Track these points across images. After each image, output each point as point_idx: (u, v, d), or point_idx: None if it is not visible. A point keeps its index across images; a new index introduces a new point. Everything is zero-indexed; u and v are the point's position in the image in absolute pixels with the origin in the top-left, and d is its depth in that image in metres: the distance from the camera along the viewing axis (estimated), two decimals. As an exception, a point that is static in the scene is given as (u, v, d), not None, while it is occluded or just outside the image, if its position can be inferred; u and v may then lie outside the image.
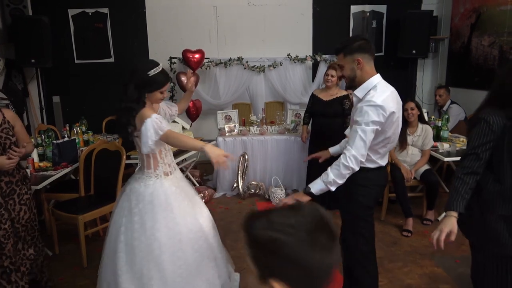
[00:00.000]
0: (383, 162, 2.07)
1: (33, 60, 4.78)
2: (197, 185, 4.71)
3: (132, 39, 5.54)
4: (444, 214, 1.74)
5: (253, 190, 4.53)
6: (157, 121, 2.00)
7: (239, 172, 4.46)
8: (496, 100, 1.70)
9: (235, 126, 4.74)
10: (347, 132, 2.16)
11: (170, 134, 2.02)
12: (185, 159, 4.41)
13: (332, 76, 3.94)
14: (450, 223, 1.65)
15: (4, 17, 4.89)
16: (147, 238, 2.08)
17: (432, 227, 3.63)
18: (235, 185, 4.51)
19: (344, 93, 4.04)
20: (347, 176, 1.91)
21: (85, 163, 3.28)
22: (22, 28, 4.71)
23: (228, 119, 4.85)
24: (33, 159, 3.28)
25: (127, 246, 2.11)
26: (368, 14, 5.68)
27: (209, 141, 4.66)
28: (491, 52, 4.66)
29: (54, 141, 3.53)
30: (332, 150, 2.27)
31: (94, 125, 4.88)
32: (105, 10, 5.45)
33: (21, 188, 2.33)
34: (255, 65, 5.54)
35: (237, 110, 5.04)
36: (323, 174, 1.93)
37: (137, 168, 2.29)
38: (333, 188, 1.92)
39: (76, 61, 5.54)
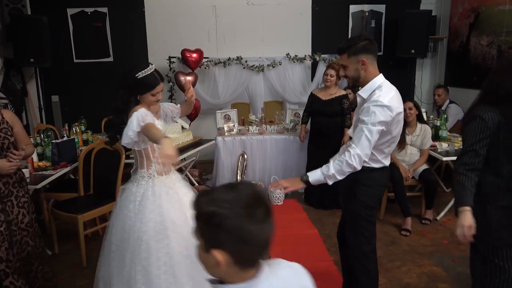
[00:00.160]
0: (387, 162, 2.09)
1: (32, 60, 4.78)
2: (196, 184, 4.71)
3: (131, 38, 5.53)
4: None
5: (252, 190, 4.53)
6: (143, 114, 1.98)
7: (238, 172, 4.47)
8: (490, 97, 1.74)
9: (234, 125, 4.74)
10: (350, 132, 2.16)
11: (148, 126, 1.95)
12: (184, 158, 4.42)
13: (331, 75, 3.95)
14: (468, 218, 1.68)
15: (3, 16, 4.88)
16: (135, 240, 2.04)
17: (431, 227, 3.65)
18: (234, 184, 4.51)
19: (343, 92, 4.05)
20: (348, 173, 1.91)
21: (84, 163, 3.29)
22: (21, 28, 4.70)
23: (227, 118, 4.85)
24: (32, 159, 3.28)
25: (118, 248, 2.10)
26: (367, 13, 5.69)
27: (209, 141, 4.69)
28: (489, 52, 4.67)
29: (53, 141, 3.53)
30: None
31: (93, 124, 4.88)
32: (104, 10, 5.44)
33: (18, 190, 2.30)
34: (254, 65, 5.55)
35: (236, 109, 5.04)
36: (324, 166, 1.92)
37: (132, 169, 2.26)
38: (330, 182, 1.92)
39: (75, 61, 5.53)
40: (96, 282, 2.23)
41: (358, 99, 2.05)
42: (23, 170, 2.93)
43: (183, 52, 5.17)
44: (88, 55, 5.53)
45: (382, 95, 1.89)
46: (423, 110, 4.20)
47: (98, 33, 5.48)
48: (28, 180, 3.00)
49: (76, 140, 3.96)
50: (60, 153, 3.44)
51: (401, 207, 3.62)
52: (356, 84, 2.05)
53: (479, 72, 4.83)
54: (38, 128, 4.66)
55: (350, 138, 2.27)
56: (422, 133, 3.68)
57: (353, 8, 5.67)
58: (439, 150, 3.79)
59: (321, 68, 5.48)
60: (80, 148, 3.95)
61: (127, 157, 3.55)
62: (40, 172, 3.24)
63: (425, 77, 5.96)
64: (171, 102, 5.46)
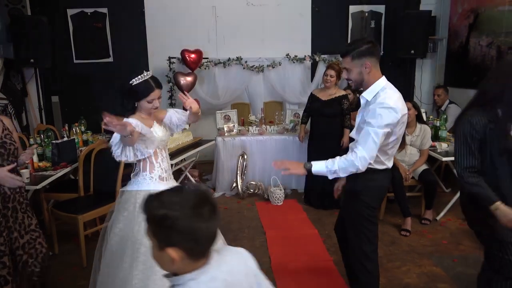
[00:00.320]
0: (389, 164, 2.10)
1: (32, 60, 4.77)
2: (196, 185, 4.71)
3: (131, 39, 5.54)
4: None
5: (252, 190, 4.54)
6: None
7: (238, 172, 4.47)
8: (480, 101, 1.82)
9: (234, 126, 4.75)
10: (352, 134, 2.16)
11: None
12: (184, 159, 4.42)
13: (331, 76, 3.96)
14: (507, 210, 1.70)
15: (3, 16, 4.88)
16: (133, 243, 2.04)
17: (430, 227, 3.65)
18: (234, 185, 4.52)
19: (343, 93, 4.06)
20: (350, 173, 1.94)
21: (84, 163, 3.29)
22: (21, 28, 4.70)
23: (227, 119, 4.85)
24: (32, 159, 3.28)
25: (115, 251, 2.09)
26: (366, 14, 5.69)
27: (209, 141, 4.69)
28: (489, 52, 4.68)
29: (53, 141, 3.54)
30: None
31: (93, 125, 4.88)
32: (104, 10, 5.45)
33: (20, 195, 2.29)
34: (254, 65, 5.55)
35: (236, 110, 5.04)
36: (329, 160, 1.94)
37: (132, 173, 2.25)
38: (330, 177, 1.96)
39: (75, 61, 5.54)
40: (91, 285, 2.22)
41: (362, 101, 2.06)
42: (23, 170, 2.95)
43: (183, 52, 5.18)
44: (88, 55, 5.53)
45: (388, 97, 1.91)
46: (422, 110, 4.21)
47: (98, 33, 5.48)
48: (28, 180, 3.02)
49: (76, 140, 3.97)
50: (60, 154, 3.44)
51: (400, 207, 3.62)
52: (359, 87, 2.06)
53: (479, 73, 4.84)
54: (38, 128, 4.67)
55: (351, 139, 2.28)
56: (421, 133, 3.69)
57: (352, 9, 5.67)
58: (438, 151, 3.80)
59: (321, 68, 5.48)
60: (80, 149, 3.96)
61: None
62: (40, 173, 3.24)
63: (424, 77, 5.96)
64: (171, 102, 5.50)
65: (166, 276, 1.02)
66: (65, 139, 3.80)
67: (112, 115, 1.78)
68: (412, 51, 5.27)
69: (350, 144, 2.21)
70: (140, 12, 5.49)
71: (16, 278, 2.26)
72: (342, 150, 3.79)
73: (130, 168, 2.36)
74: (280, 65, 5.59)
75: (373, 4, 5.67)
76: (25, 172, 3.00)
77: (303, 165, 1.98)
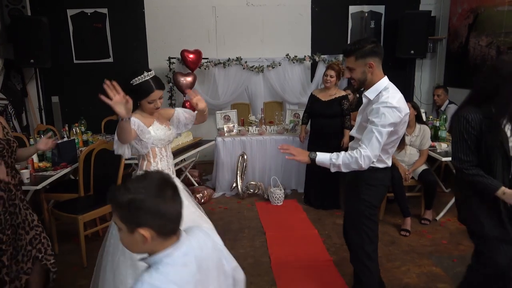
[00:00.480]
0: (389, 162, 2.13)
1: (32, 60, 4.79)
2: (196, 185, 4.72)
3: (131, 39, 5.54)
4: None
5: (252, 190, 4.55)
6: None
7: (238, 172, 4.48)
8: (475, 99, 1.89)
9: (234, 126, 4.75)
10: (352, 132, 2.18)
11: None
12: (184, 159, 4.43)
13: (331, 76, 3.96)
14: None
15: (3, 17, 4.89)
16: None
17: (430, 227, 3.65)
18: (234, 185, 4.52)
19: (343, 93, 4.06)
20: (352, 170, 1.97)
21: (84, 163, 3.29)
22: (21, 28, 4.71)
23: (227, 119, 4.86)
24: (32, 159, 3.29)
25: (114, 251, 2.08)
26: (366, 14, 5.70)
27: (209, 141, 4.70)
28: (488, 52, 4.68)
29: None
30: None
31: (93, 125, 4.89)
32: (104, 10, 5.45)
33: (21, 192, 2.31)
34: (253, 65, 5.56)
35: (236, 110, 5.05)
36: (334, 154, 1.97)
37: (133, 173, 2.28)
38: (333, 170, 1.99)
39: (75, 61, 5.55)
40: (92, 284, 2.22)
41: (364, 100, 2.09)
42: (23, 171, 2.96)
43: (183, 52, 5.18)
44: (88, 55, 5.54)
45: (391, 97, 1.93)
46: (422, 110, 4.22)
47: (98, 33, 5.49)
48: (28, 180, 3.02)
49: (76, 140, 3.97)
50: (60, 154, 3.45)
51: (400, 207, 3.63)
52: (361, 86, 2.07)
53: (479, 73, 4.84)
54: (38, 128, 4.67)
55: (351, 138, 2.29)
56: (421, 133, 3.69)
57: (352, 9, 5.68)
58: (438, 151, 3.80)
59: (321, 68, 5.49)
60: (80, 149, 3.96)
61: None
62: (40, 173, 3.25)
63: (424, 77, 5.97)
64: (171, 102, 5.50)
65: (142, 259, 1.09)
66: (65, 139, 3.80)
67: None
68: (412, 51, 5.28)
69: (350, 143, 2.23)
70: (140, 12, 5.50)
71: (19, 276, 2.27)
72: (342, 151, 3.79)
73: (130, 168, 2.37)
74: (280, 65, 5.59)
75: (373, 4, 5.68)
76: (25, 172, 3.01)
77: (308, 154, 2.00)
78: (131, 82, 2.08)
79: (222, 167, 4.60)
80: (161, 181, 1.06)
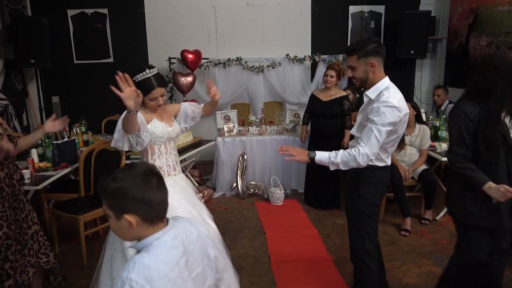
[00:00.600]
0: (389, 161, 2.15)
1: (32, 61, 4.79)
2: (196, 185, 4.73)
3: (131, 39, 5.55)
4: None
5: (252, 190, 4.55)
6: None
7: (238, 172, 4.48)
8: (471, 94, 1.93)
9: (234, 126, 4.76)
10: (353, 131, 2.19)
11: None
12: (184, 159, 4.43)
13: (331, 76, 3.96)
14: (498, 187, 1.78)
15: (3, 17, 4.89)
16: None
17: (430, 227, 3.66)
18: (234, 185, 4.53)
19: (344, 93, 4.06)
20: (351, 167, 1.99)
21: (85, 163, 3.29)
22: (22, 29, 4.72)
23: (227, 119, 4.86)
24: (33, 160, 3.29)
25: (117, 248, 2.09)
26: (366, 14, 5.70)
27: (209, 141, 4.70)
28: (488, 52, 4.68)
29: (54, 142, 3.54)
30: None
31: (94, 125, 4.89)
32: (104, 11, 5.46)
33: (23, 188, 2.35)
34: (254, 65, 5.56)
35: (236, 110, 5.05)
36: (333, 152, 2.00)
37: None
38: (332, 168, 2.01)
39: (75, 62, 5.55)
40: (94, 283, 2.23)
41: (365, 99, 2.11)
42: (24, 171, 2.96)
43: (183, 53, 5.19)
44: (89, 56, 5.55)
45: (391, 96, 1.96)
46: (422, 110, 4.22)
47: (98, 34, 5.49)
48: (29, 181, 3.03)
49: (76, 141, 3.98)
50: (60, 154, 3.46)
51: (400, 207, 3.63)
52: (363, 85, 2.10)
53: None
54: (38, 128, 4.68)
55: (351, 136, 2.30)
56: (421, 133, 3.70)
57: (352, 9, 5.68)
58: (438, 151, 3.80)
59: (321, 68, 5.50)
60: (80, 149, 3.97)
61: (128, 157, 3.56)
62: (40, 173, 3.25)
63: (424, 77, 5.97)
64: (171, 102, 5.50)
65: (131, 246, 1.17)
66: (66, 139, 3.80)
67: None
68: (412, 51, 5.28)
69: (351, 142, 2.24)
70: (140, 12, 5.51)
71: (26, 270, 2.29)
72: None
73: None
74: (280, 65, 5.60)
75: (373, 4, 5.68)
76: (26, 172, 3.02)
77: (308, 153, 2.02)
78: (133, 79, 2.07)
79: (222, 167, 4.61)
80: (146, 171, 1.13)
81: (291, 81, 5.65)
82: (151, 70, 2.13)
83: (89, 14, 5.45)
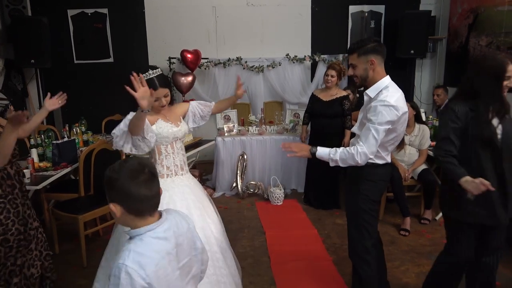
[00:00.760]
0: (389, 159, 2.17)
1: (32, 61, 4.80)
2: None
3: (131, 39, 5.55)
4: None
5: (252, 190, 4.55)
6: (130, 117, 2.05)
7: (238, 172, 4.48)
8: (462, 93, 1.99)
9: (234, 126, 4.76)
10: (354, 129, 2.21)
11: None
12: (184, 159, 4.43)
13: (332, 76, 3.96)
14: (473, 180, 1.82)
15: (3, 17, 4.90)
16: None
17: (430, 226, 3.66)
18: (234, 184, 4.53)
19: (344, 93, 4.06)
20: (349, 165, 2.03)
21: (84, 163, 3.30)
22: (22, 29, 4.72)
23: (227, 119, 4.86)
24: (33, 159, 3.30)
25: (115, 246, 2.12)
26: (366, 14, 5.70)
27: (209, 141, 4.70)
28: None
29: (54, 142, 3.55)
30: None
31: (94, 125, 4.90)
32: (104, 11, 5.46)
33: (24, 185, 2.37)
34: (254, 65, 5.56)
35: (236, 110, 5.05)
36: (333, 149, 2.06)
37: None
38: (331, 164, 2.07)
39: (76, 62, 5.55)
40: (95, 283, 2.23)
41: (365, 98, 2.13)
42: (24, 171, 2.96)
43: (183, 52, 5.19)
44: (89, 56, 5.55)
45: (389, 95, 1.98)
46: (422, 110, 4.22)
47: (98, 34, 5.49)
48: (28, 180, 3.03)
49: (76, 140, 3.98)
50: (60, 154, 3.46)
51: (400, 207, 3.63)
52: (363, 83, 2.12)
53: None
54: (38, 128, 4.67)
55: (352, 135, 2.32)
56: (420, 133, 3.70)
57: (352, 9, 5.68)
58: (438, 150, 3.80)
59: (321, 68, 5.50)
60: (80, 149, 3.97)
61: (127, 157, 3.56)
62: (40, 173, 3.25)
63: (424, 77, 5.97)
64: (171, 102, 5.50)
65: (125, 232, 1.26)
66: (66, 139, 3.81)
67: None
68: (412, 51, 5.28)
69: (351, 140, 2.26)
70: (140, 12, 5.51)
71: (34, 263, 2.34)
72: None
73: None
74: (280, 65, 5.60)
75: (373, 4, 5.68)
76: (26, 172, 3.02)
77: (309, 149, 2.08)
78: None
79: (222, 167, 4.61)
80: (137, 167, 1.20)
81: (291, 81, 5.65)
82: (155, 71, 2.15)
83: (89, 14, 5.45)
